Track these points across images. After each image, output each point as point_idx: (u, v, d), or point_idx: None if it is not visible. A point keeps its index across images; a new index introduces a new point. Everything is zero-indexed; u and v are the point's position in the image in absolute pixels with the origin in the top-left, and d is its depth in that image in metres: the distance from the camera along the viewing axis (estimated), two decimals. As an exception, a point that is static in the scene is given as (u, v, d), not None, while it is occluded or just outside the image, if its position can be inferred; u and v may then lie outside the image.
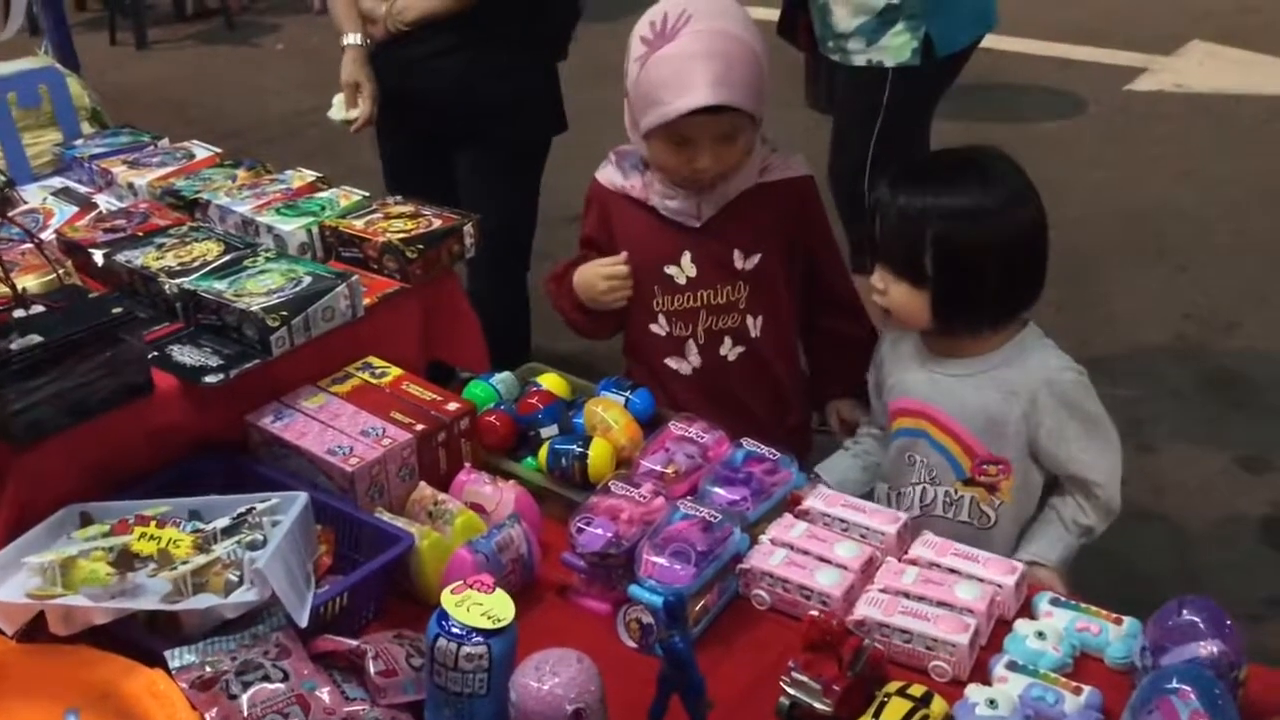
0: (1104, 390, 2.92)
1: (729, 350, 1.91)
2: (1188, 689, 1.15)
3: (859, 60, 2.61)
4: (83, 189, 2.15)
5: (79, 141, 2.28)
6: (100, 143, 2.26)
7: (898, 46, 2.57)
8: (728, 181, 1.83)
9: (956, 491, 1.71)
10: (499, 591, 1.27)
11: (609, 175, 1.93)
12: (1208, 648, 1.22)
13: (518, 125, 2.49)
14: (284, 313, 1.60)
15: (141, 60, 6.41)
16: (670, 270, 1.89)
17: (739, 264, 1.87)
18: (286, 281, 1.67)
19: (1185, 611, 1.25)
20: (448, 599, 1.26)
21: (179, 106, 5.39)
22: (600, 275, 1.90)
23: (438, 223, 1.85)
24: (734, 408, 1.87)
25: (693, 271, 1.88)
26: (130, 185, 2.07)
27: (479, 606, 1.25)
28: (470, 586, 1.28)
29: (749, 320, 1.89)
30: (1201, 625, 1.23)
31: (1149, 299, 3.50)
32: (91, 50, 6.36)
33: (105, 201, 2.08)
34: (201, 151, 2.18)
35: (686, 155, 1.77)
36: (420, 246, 1.79)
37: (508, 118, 2.47)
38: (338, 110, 2.44)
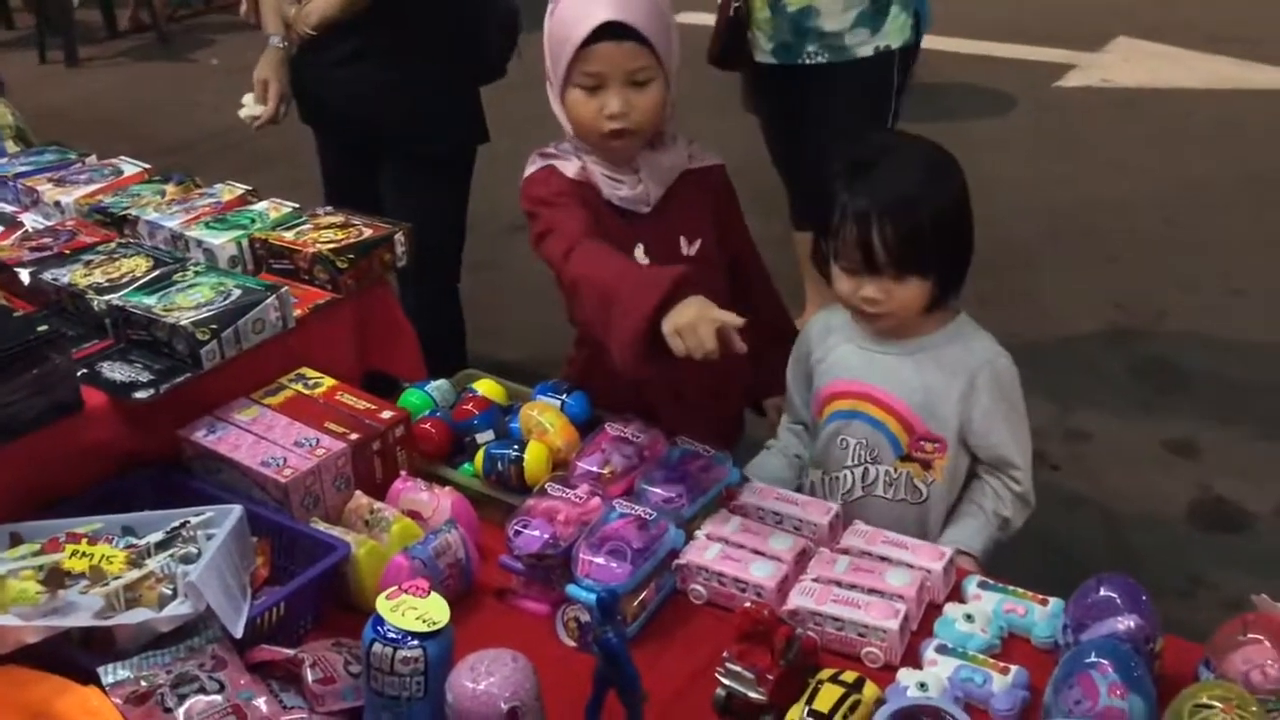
0: (1035, 380, 2.98)
1: None
2: (1106, 663, 1.19)
3: (865, 50, 2.68)
4: (8, 208, 2.12)
5: (3, 160, 2.25)
6: (25, 161, 2.23)
7: (899, 28, 2.68)
8: (659, 156, 1.81)
9: (895, 469, 1.74)
10: (434, 595, 1.28)
11: (567, 165, 1.83)
12: (1125, 622, 1.26)
13: (429, 137, 2.50)
14: (214, 326, 1.60)
15: (72, 78, 6.33)
16: None
17: (685, 250, 1.85)
18: (216, 295, 1.67)
19: (1103, 589, 1.29)
20: (383, 604, 1.27)
21: (112, 124, 5.32)
22: (709, 319, 1.51)
23: (368, 232, 1.86)
24: (680, 399, 1.84)
25: (645, 263, 1.83)
26: (57, 203, 2.05)
27: (414, 610, 1.26)
28: (405, 591, 1.28)
29: None
30: (1119, 601, 1.27)
31: (1079, 290, 3.58)
32: (20, 68, 6.29)
33: (31, 220, 2.06)
34: (129, 168, 2.16)
35: (599, 102, 1.73)
36: (351, 256, 1.79)
37: (418, 129, 2.48)
38: (247, 108, 2.48)
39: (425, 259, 2.60)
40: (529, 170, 1.85)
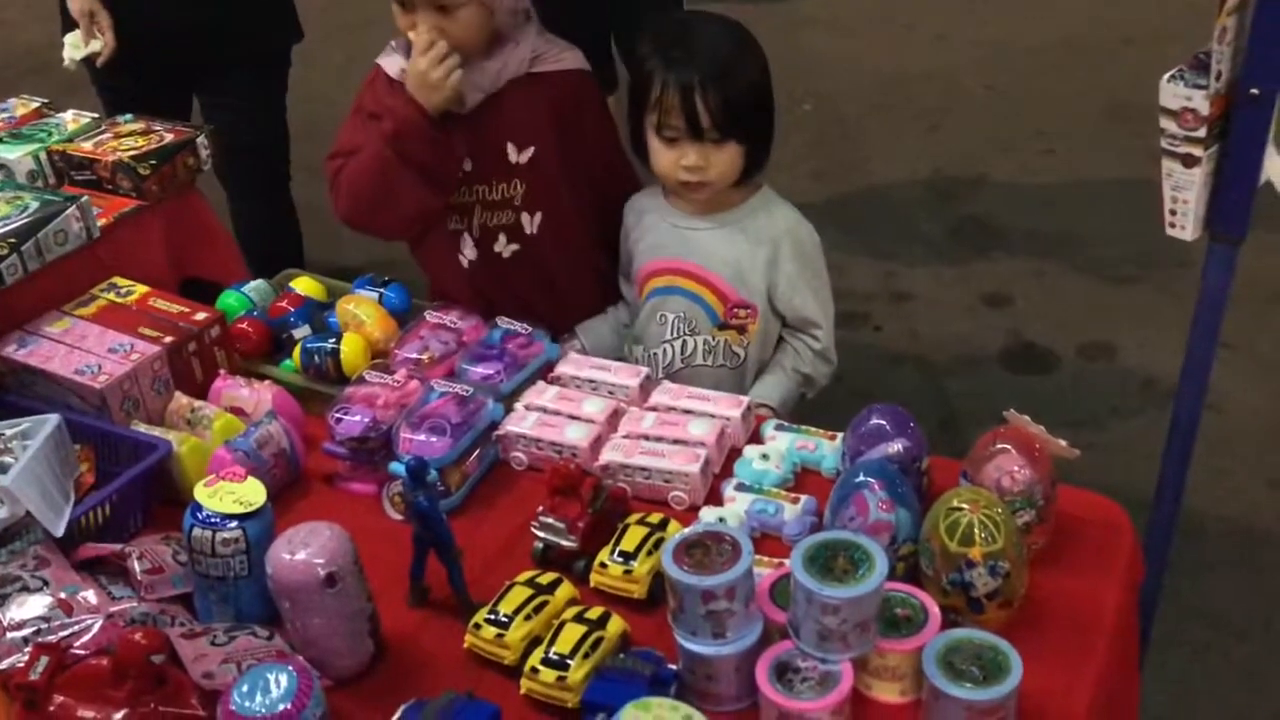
0: (861, 248, 3.11)
1: (503, 247, 1.89)
2: (875, 481, 1.31)
3: None
4: None
5: None
6: None
7: None
8: (487, 62, 1.80)
9: (713, 338, 1.84)
10: (250, 480, 1.34)
11: (392, 61, 1.85)
12: (894, 446, 1.38)
13: (244, 38, 2.44)
14: (12, 239, 1.59)
15: None
16: None
17: (513, 158, 1.85)
18: (13, 210, 1.65)
19: (874, 418, 1.41)
20: (200, 491, 1.32)
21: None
22: (425, 59, 1.70)
23: (170, 137, 1.85)
24: (511, 304, 1.85)
25: (469, 166, 1.85)
26: None
27: (231, 495, 1.31)
28: (222, 478, 1.34)
29: (524, 217, 1.89)
30: (888, 427, 1.40)
31: (903, 160, 3.72)
32: None
33: None
34: (-84, 88, 2.09)
35: (409, 20, 1.74)
36: (153, 162, 1.79)
37: (232, 32, 2.41)
38: (74, 49, 2.29)
39: (249, 164, 2.59)
40: (384, 58, 1.87)
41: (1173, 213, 1.37)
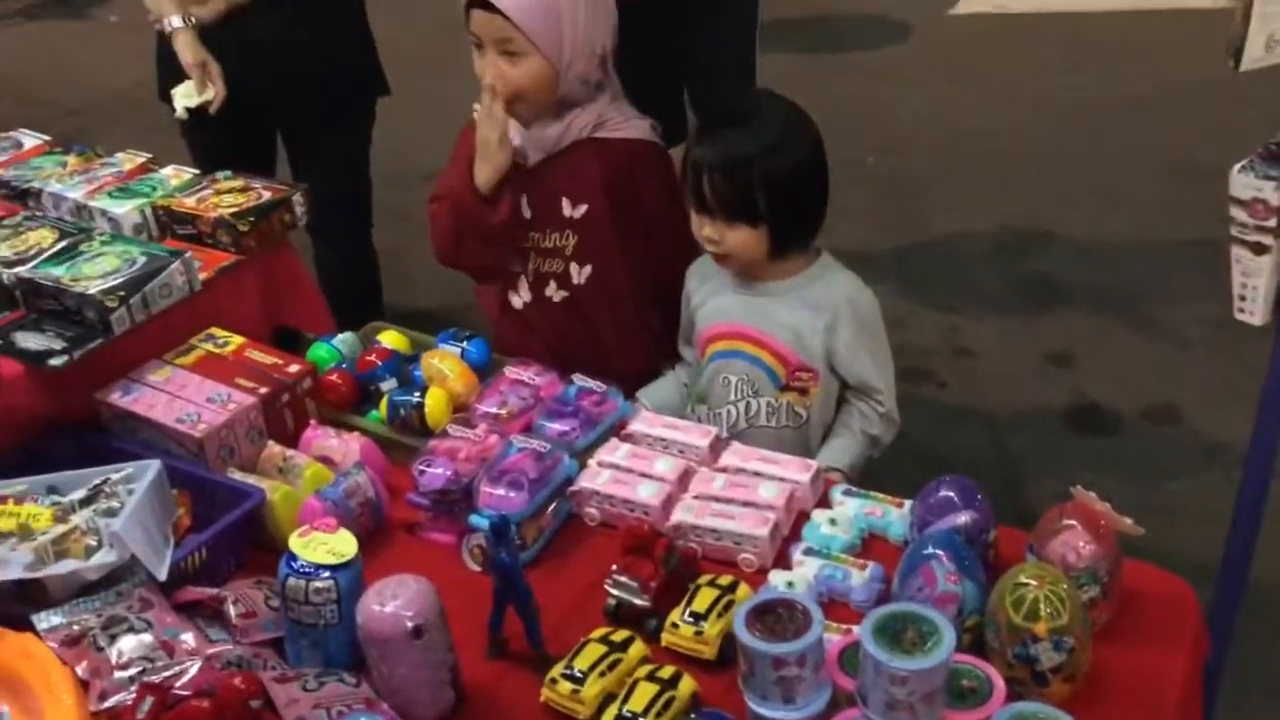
0: (925, 303, 3.14)
1: (553, 292, 2.04)
2: (942, 553, 1.34)
3: None
4: (-89, 186, 2.16)
5: (-99, 139, 2.28)
6: (-77, 139, 2.26)
7: None
8: (548, 128, 1.94)
9: (776, 400, 1.90)
10: (342, 531, 1.40)
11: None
12: (962, 518, 1.42)
13: (343, 96, 2.55)
14: (121, 293, 1.68)
15: (-32, 40, 6.18)
16: None
17: (567, 211, 1.99)
18: (122, 263, 1.74)
19: (943, 489, 1.45)
20: (295, 541, 1.39)
21: (11, 85, 5.24)
22: (482, 125, 1.88)
23: (267, 195, 1.94)
24: (560, 349, 2.00)
25: (528, 213, 2.00)
26: (-42, 180, 2.10)
27: (324, 545, 1.38)
28: (316, 529, 1.41)
29: (573, 267, 2.01)
30: (956, 499, 1.43)
31: (969, 213, 3.75)
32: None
33: (-65, 197, 2.10)
34: (30, 140, 2.21)
35: (480, 62, 1.89)
36: (251, 219, 1.88)
37: (334, 91, 2.52)
38: (186, 99, 2.37)
39: (333, 212, 2.69)
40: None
41: (1241, 298, 1.40)
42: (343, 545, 1.38)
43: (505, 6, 1.81)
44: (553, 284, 2.04)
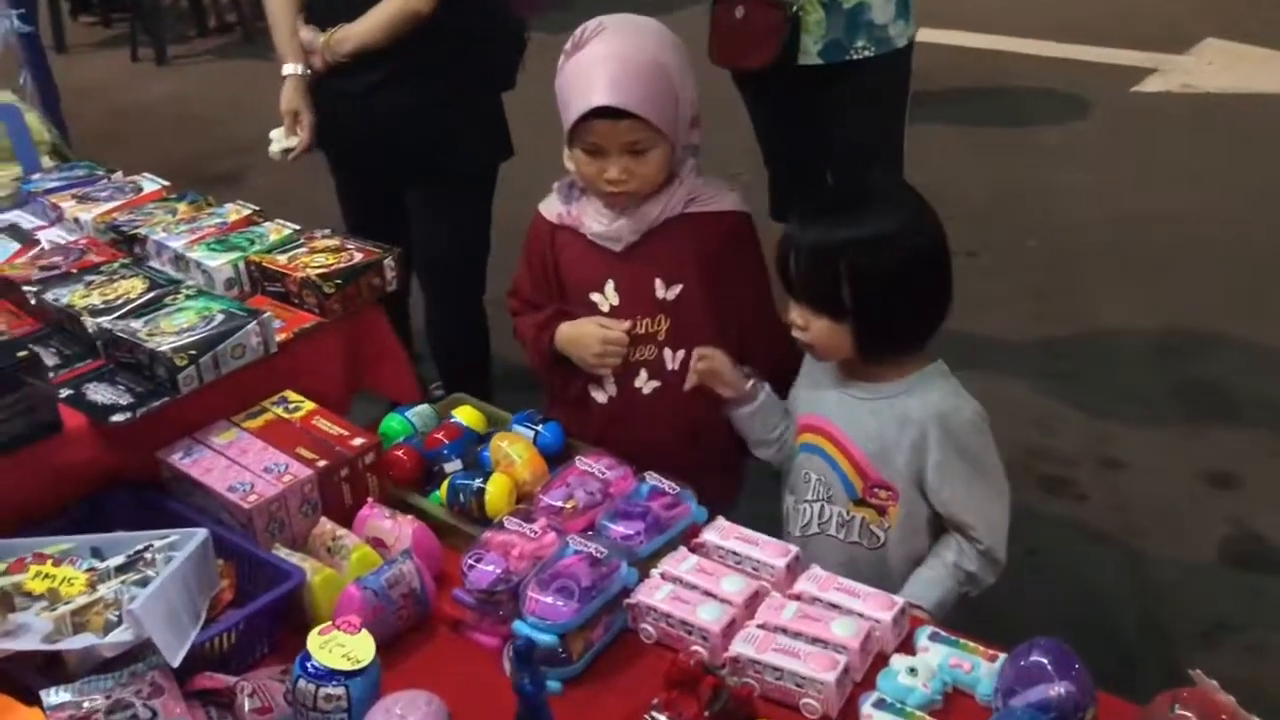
0: (1073, 401, 2.88)
1: (644, 383, 1.89)
2: (1025, 735, 1.15)
3: (901, 41, 2.63)
4: (37, 223, 2.21)
5: (36, 176, 2.35)
6: (57, 177, 2.33)
7: (913, 17, 2.65)
8: (648, 205, 1.83)
9: (848, 512, 1.73)
10: (363, 633, 1.31)
11: (551, 205, 1.94)
12: (1055, 689, 1.22)
13: (460, 156, 2.51)
14: (192, 352, 1.65)
15: (161, 77, 6.54)
16: (595, 298, 1.89)
17: (660, 293, 1.86)
18: (200, 320, 1.72)
19: (1034, 653, 1.26)
20: (313, 640, 1.30)
21: (195, 121, 5.50)
22: (598, 338, 1.84)
23: (359, 256, 1.89)
24: (646, 442, 1.82)
25: (615, 300, 1.87)
26: (76, 220, 2.13)
27: (341, 648, 1.29)
28: (338, 628, 1.32)
29: (666, 354, 1.88)
30: (1049, 667, 1.24)
31: (1131, 306, 3.46)
32: (113, 67, 6.54)
33: (56, 235, 2.14)
34: (149, 185, 2.24)
35: (599, 165, 1.78)
36: (338, 282, 1.83)
37: (449, 149, 2.49)
38: (277, 142, 2.46)
39: (447, 272, 2.67)
40: (543, 203, 1.97)
41: None
42: (360, 650, 1.28)
43: (637, 106, 1.71)
44: (644, 373, 1.89)
